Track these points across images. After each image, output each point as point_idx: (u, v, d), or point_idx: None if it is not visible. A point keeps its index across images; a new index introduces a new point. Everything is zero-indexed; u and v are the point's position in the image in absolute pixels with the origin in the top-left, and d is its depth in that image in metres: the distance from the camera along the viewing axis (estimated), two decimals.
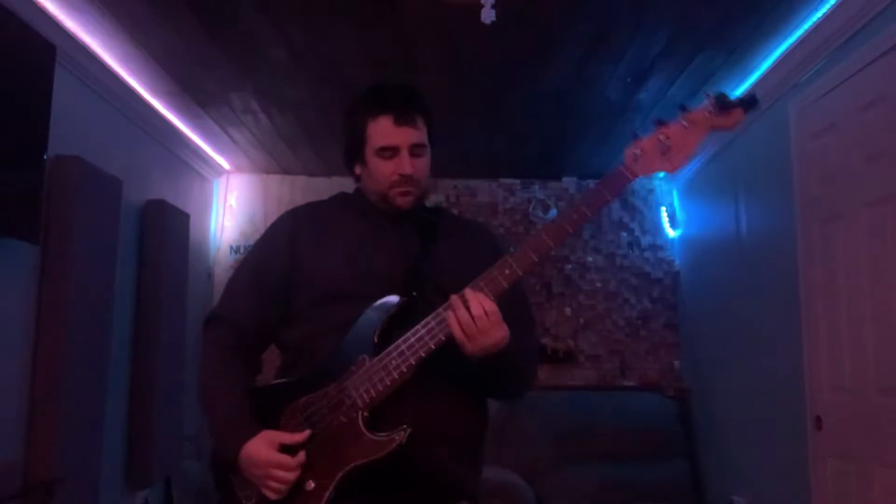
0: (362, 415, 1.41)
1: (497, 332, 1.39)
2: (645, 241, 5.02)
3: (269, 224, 1.71)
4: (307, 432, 1.43)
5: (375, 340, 1.44)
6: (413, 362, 1.41)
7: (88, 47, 3.06)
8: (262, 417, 1.48)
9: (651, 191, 5.07)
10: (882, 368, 2.53)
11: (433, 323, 1.42)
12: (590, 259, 4.99)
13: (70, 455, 2.85)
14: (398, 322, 1.45)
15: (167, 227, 3.89)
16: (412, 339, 1.41)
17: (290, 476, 1.40)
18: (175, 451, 3.97)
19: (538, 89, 3.58)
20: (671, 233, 4.95)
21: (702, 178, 4.46)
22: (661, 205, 5.03)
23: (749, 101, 1.42)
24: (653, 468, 4.32)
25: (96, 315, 3.10)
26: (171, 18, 2.86)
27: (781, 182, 3.21)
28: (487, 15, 2.48)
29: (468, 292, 1.40)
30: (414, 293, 1.48)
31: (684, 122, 1.42)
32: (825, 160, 2.89)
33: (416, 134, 1.56)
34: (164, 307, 3.80)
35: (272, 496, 1.41)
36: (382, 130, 1.55)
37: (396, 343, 1.42)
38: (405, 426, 1.39)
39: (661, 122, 1.45)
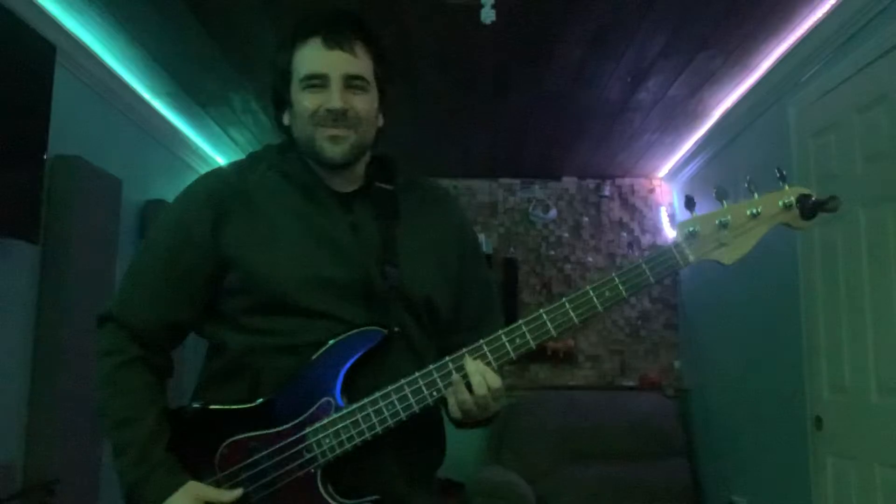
0: (321, 473, 1.20)
1: (495, 406, 1.23)
2: (645, 241, 5.02)
3: (162, 214, 1.36)
4: (238, 492, 1.20)
5: (343, 385, 1.21)
6: (391, 424, 1.19)
7: (88, 47, 3.06)
8: (194, 448, 1.23)
9: (651, 191, 5.07)
10: (882, 368, 2.53)
11: (422, 383, 1.21)
12: (590, 259, 4.99)
13: (70, 455, 2.84)
14: (366, 354, 1.23)
15: None
16: (394, 398, 1.19)
17: None
18: None
19: (538, 89, 3.58)
20: (671, 233, 4.94)
21: (702, 178, 4.46)
22: (661, 205, 5.03)
23: (834, 207, 1.23)
24: (653, 468, 4.32)
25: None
26: (170, 18, 2.85)
27: (781, 182, 3.21)
28: (487, 15, 2.48)
29: (470, 365, 1.20)
30: (396, 328, 1.25)
31: (754, 209, 1.24)
32: (825, 160, 2.89)
33: (352, 62, 1.25)
34: None
35: None
36: (309, 55, 1.26)
37: (373, 398, 1.20)
38: (373, 496, 1.20)
39: (724, 196, 1.25)
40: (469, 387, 1.19)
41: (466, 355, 1.21)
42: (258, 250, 1.25)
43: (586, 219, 5.04)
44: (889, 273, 2.49)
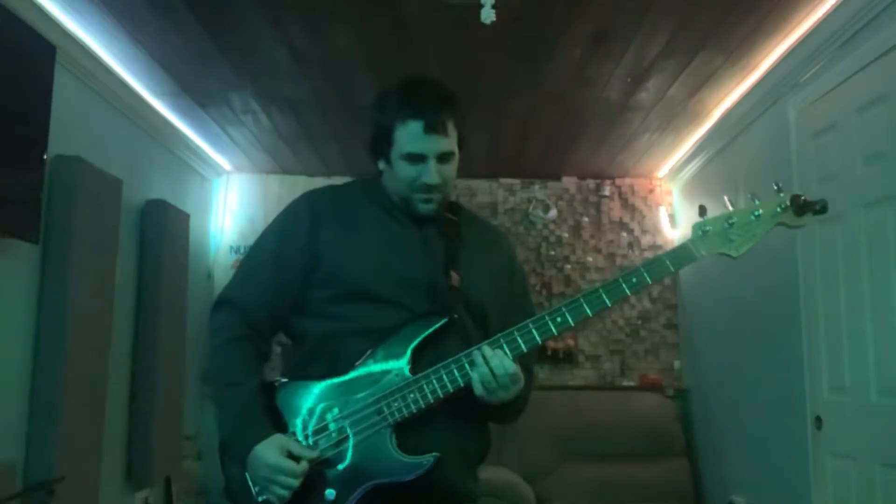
0: (391, 432, 1.44)
1: (515, 387, 1.45)
2: (645, 241, 5.02)
3: (269, 223, 1.66)
4: (316, 452, 1.44)
5: (410, 360, 1.47)
6: (451, 390, 1.44)
7: (88, 47, 3.06)
8: (282, 414, 1.49)
9: (651, 191, 5.07)
10: (882, 368, 2.53)
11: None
12: (590, 259, 4.99)
13: (70, 455, 2.84)
14: (429, 337, 1.48)
15: (167, 227, 3.89)
16: (453, 367, 1.44)
17: (294, 482, 1.41)
18: (175, 451, 3.97)
19: (538, 89, 3.58)
20: (671, 232, 4.95)
21: (702, 178, 4.46)
22: (661, 205, 5.03)
23: (822, 209, 1.48)
24: (653, 468, 4.32)
25: (96, 315, 3.10)
26: (171, 18, 2.86)
27: (781, 182, 3.20)
28: (487, 15, 2.48)
29: (487, 350, 1.43)
30: (455, 315, 1.50)
31: (756, 212, 1.50)
32: (825, 160, 2.89)
33: (445, 142, 1.53)
34: (164, 307, 3.80)
35: (275, 501, 1.43)
36: (410, 136, 1.51)
37: (436, 367, 1.45)
38: (434, 453, 1.42)
39: (731, 203, 1.50)
40: (491, 370, 1.42)
41: (514, 331, 1.45)
42: (345, 249, 1.54)
43: (586, 219, 5.04)
44: (889, 273, 2.49)
